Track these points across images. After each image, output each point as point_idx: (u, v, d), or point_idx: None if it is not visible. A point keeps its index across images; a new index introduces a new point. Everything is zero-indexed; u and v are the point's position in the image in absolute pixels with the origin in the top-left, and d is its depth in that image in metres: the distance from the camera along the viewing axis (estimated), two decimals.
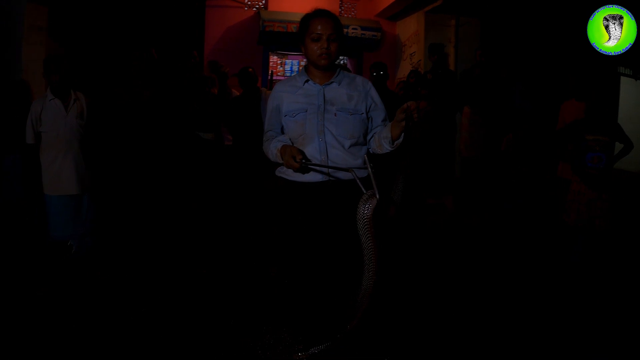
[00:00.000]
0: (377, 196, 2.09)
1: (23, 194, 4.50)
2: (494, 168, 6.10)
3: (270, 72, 9.56)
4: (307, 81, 2.55)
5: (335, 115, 2.47)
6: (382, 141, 2.45)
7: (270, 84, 7.19)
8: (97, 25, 7.56)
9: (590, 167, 4.04)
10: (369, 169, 2.17)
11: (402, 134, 2.34)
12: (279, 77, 9.15)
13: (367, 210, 2.10)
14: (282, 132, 2.61)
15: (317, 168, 2.38)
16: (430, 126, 6.05)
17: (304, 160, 2.35)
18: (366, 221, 2.11)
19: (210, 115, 6.04)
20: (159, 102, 5.41)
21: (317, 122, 2.46)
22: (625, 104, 7.67)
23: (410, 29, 9.14)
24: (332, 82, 2.54)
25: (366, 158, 2.24)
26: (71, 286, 3.82)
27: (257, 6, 9.57)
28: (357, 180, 2.19)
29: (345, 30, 8.87)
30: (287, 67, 10.08)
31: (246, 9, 9.54)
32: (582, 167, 4.09)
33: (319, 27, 2.45)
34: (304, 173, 2.42)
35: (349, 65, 9.68)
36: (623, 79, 7.74)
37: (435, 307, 3.51)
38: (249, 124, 5.63)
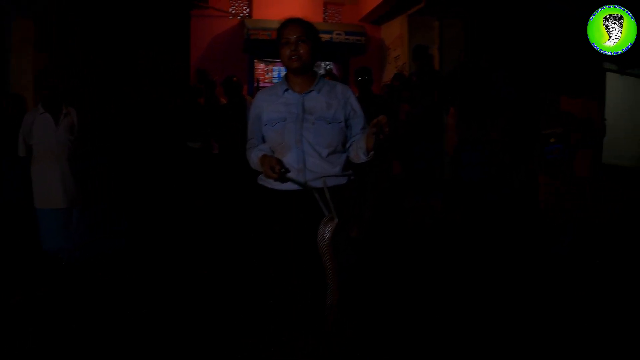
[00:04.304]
0: (336, 220, 2.16)
1: (23, 194, 4.53)
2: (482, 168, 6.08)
3: (256, 79, 9.60)
4: (286, 90, 2.56)
5: (313, 124, 2.47)
6: (358, 151, 2.47)
7: (256, 92, 7.23)
8: (81, 36, 7.56)
9: (550, 159, 4.13)
10: (326, 193, 2.21)
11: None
12: (265, 84, 9.19)
13: (327, 233, 2.16)
14: (264, 141, 2.63)
15: (294, 179, 2.40)
16: (414, 127, 6.08)
17: (282, 170, 2.37)
18: (326, 243, 2.17)
19: (197, 124, 6.07)
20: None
21: (295, 131, 2.47)
22: (611, 100, 7.70)
23: (394, 32, 9.20)
24: (311, 91, 2.54)
25: (325, 182, 2.27)
26: (72, 287, 3.85)
27: (241, 15, 9.61)
28: (320, 202, 2.25)
29: (329, 35, 9.15)
30: (275, 74, 10.10)
31: (230, 17, 9.58)
32: (541, 160, 4.19)
33: (287, 32, 2.48)
34: (282, 182, 2.44)
35: (335, 71, 9.71)
36: (608, 74, 7.77)
37: (417, 308, 3.47)
38: (234, 133, 5.67)
